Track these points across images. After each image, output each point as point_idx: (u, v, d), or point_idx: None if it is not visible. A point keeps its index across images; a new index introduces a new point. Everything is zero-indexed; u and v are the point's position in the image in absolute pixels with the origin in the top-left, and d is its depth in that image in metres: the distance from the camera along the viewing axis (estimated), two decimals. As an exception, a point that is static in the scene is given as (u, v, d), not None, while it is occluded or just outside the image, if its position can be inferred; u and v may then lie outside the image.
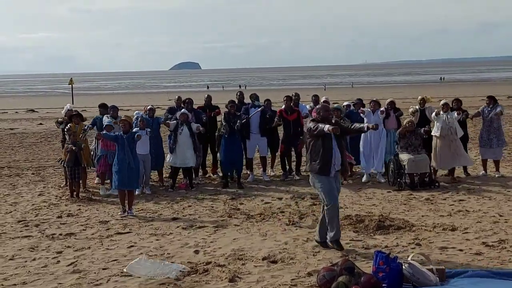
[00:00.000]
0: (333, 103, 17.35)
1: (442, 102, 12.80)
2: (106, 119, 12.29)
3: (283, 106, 13.23)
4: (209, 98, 13.76)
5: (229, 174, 12.77)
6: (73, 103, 42.36)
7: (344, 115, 13.17)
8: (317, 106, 8.33)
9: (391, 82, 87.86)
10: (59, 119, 13.33)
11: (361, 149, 12.73)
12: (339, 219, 8.14)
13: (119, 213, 10.17)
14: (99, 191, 12.13)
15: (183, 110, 12.52)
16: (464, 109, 13.27)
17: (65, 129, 12.13)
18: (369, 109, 12.80)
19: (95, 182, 12.95)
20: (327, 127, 7.63)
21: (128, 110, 33.39)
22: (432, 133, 12.43)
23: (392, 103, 13.32)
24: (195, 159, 12.34)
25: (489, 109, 12.97)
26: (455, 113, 12.37)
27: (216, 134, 12.98)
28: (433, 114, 12.42)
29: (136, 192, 11.58)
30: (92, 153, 12.72)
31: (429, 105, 13.13)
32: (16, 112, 39.32)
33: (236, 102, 13.07)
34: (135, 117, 12.78)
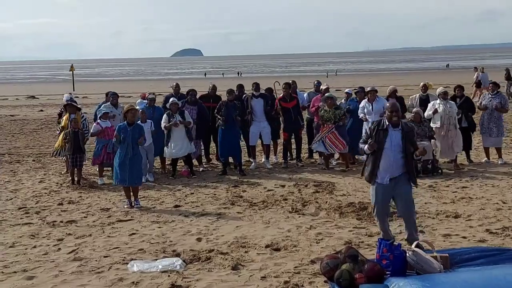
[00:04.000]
0: (336, 90, 17.28)
1: (440, 90, 12.58)
2: (102, 108, 12.25)
3: (282, 94, 13.14)
4: (214, 89, 13.51)
5: (228, 161, 12.72)
6: (74, 90, 42.32)
7: (347, 105, 13.09)
8: (387, 104, 7.53)
9: (393, 69, 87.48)
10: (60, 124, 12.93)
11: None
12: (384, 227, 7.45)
13: (125, 206, 9.90)
14: (97, 180, 11.99)
15: (171, 99, 12.28)
16: (467, 95, 13.12)
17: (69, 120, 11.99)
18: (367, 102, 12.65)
19: (97, 169, 12.82)
20: (366, 147, 7.17)
21: (129, 97, 33.32)
22: (432, 124, 12.22)
23: (394, 92, 13.17)
24: (191, 147, 12.19)
25: (492, 95, 12.86)
26: (455, 112, 12.16)
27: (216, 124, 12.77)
28: (430, 111, 12.20)
29: (151, 179, 11.72)
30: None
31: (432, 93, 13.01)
32: (17, 99, 39.22)
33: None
34: (137, 107, 12.69)
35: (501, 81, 27.10)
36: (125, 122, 10.12)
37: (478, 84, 27.43)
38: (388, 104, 7.42)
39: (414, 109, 12.27)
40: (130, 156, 9.85)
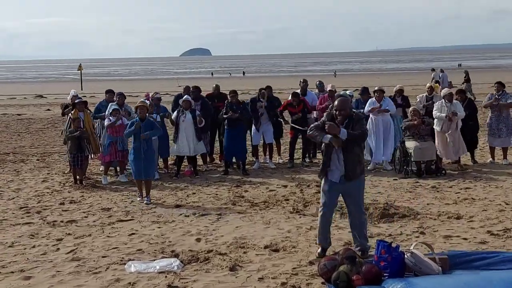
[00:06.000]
0: (343, 89, 17.18)
1: (445, 91, 12.47)
2: (111, 105, 12.22)
3: (290, 98, 13.12)
4: (217, 88, 13.82)
5: (232, 161, 12.71)
6: (82, 89, 42.45)
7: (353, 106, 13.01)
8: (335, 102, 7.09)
9: (402, 69, 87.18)
10: (64, 103, 13.30)
11: (368, 139, 12.48)
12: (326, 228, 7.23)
13: (138, 199, 10.16)
14: (101, 179, 11.99)
15: (185, 96, 12.41)
16: (471, 97, 13.06)
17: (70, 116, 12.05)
18: (374, 99, 12.55)
19: (100, 169, 12.85)
20: (328, 138, 6.84)
21: (137, 96, 33.34)
22: (434, 126, 12.16)
23: (400, 91, 13.16)
24: (199, 147, 12.22)
25: (497, 95, 12.76)
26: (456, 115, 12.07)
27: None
28: (438, 113, 12.09)
29: (156, 176, 11.74)
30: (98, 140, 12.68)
31: (437, 94, 12.97)
32: (25, 98, 39.39)
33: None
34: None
35: (459, 83, 27.11)
36: (137, 117, 10.40)
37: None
38: (337, 102, 6.99)
39: (411, 108, 12.21)
40: (144, 149, 10.13)
